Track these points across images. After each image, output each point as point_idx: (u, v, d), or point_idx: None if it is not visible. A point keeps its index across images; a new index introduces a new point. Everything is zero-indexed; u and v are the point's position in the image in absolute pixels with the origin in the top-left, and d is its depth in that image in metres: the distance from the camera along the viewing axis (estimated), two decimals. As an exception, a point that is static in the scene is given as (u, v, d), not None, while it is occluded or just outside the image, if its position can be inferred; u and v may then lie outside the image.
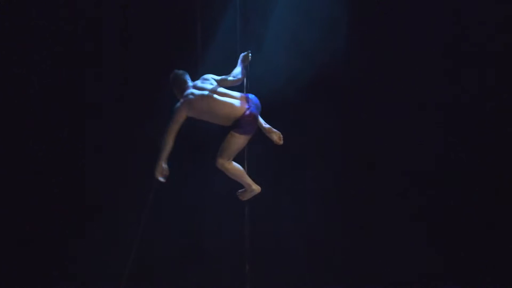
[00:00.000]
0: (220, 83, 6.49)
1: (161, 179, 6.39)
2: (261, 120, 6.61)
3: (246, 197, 6.60)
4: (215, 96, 6.40)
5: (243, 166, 6.54)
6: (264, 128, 6.65)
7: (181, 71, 6.60)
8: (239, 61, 6.60)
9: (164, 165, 6.34)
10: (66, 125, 8.18)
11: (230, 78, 6.51)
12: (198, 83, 6.50)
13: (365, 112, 8.12)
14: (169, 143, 6.32)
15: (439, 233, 8.02)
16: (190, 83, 6.52)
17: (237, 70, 6.56)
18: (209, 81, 6.50)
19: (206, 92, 6.40)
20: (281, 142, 6.61)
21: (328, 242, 8.05)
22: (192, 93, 6.42)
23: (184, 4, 8.07)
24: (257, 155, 7.10)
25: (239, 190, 6.63)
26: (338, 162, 8.15)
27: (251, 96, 6.50)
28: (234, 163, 6.43)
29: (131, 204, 7.79)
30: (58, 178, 8.15)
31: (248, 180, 6.51)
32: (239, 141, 6.38)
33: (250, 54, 6.57)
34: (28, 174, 8.13)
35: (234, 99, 6.41)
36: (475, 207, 8.02)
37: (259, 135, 6.68)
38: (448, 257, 7.98)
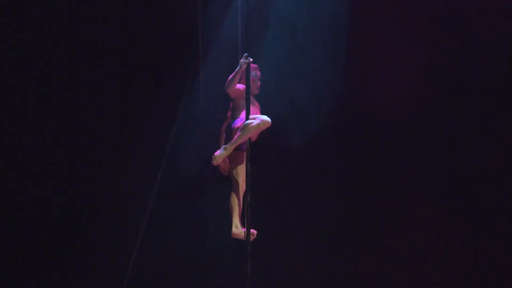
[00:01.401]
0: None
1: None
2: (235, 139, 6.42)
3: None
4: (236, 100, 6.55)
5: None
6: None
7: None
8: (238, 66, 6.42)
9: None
10: (66, 125, 8.17)
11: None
12: None
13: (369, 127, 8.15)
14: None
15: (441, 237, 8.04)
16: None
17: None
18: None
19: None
20: (214, 163, 6.40)
21: (329, 244, 8.08)
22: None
23: (185, 4, 8.04)
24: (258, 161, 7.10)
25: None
26: (337, 163, 8.18)
27: (240, 117, 6.48)
28: (235, 194, 6.48)
29: (131, 207, 7.81)
30: (58, 179, 8.14)
31: (234, 217, 6.45)
32: None
33: (250, 59, 6.42)
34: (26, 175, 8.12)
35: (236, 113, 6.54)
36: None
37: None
38: (448, 261, 8.00)
